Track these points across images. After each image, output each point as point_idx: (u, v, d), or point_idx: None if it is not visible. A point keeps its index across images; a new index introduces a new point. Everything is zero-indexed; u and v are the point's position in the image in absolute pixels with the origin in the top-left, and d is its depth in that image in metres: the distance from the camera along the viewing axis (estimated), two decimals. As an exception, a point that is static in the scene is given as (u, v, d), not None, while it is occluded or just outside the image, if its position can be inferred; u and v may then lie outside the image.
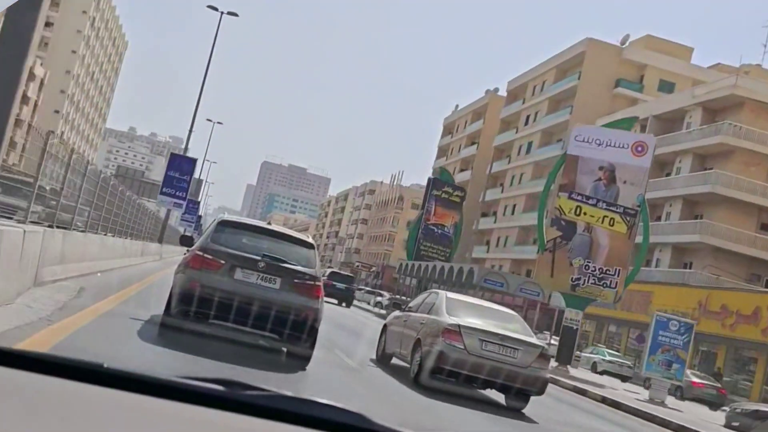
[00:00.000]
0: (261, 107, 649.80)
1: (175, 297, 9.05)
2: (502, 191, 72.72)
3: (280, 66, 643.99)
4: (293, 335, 9.10)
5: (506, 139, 75.13)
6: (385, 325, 14.13)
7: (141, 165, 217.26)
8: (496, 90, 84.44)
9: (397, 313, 14.72)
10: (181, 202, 39.90)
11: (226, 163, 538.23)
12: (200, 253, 9.16)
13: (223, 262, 9.03)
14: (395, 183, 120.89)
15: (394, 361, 13.33)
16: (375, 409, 8.04)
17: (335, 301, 39.17)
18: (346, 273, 50.99)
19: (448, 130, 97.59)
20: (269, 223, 10.51)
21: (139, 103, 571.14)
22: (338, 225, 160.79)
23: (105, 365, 1.41)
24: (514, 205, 70.20)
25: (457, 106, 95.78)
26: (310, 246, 9.84)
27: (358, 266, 59.38)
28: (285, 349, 9.76)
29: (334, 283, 40.65)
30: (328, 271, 46.08)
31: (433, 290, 13.73)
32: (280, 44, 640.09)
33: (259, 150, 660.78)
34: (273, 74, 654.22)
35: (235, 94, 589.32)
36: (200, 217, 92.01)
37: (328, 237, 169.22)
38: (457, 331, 10.99)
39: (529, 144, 69.02)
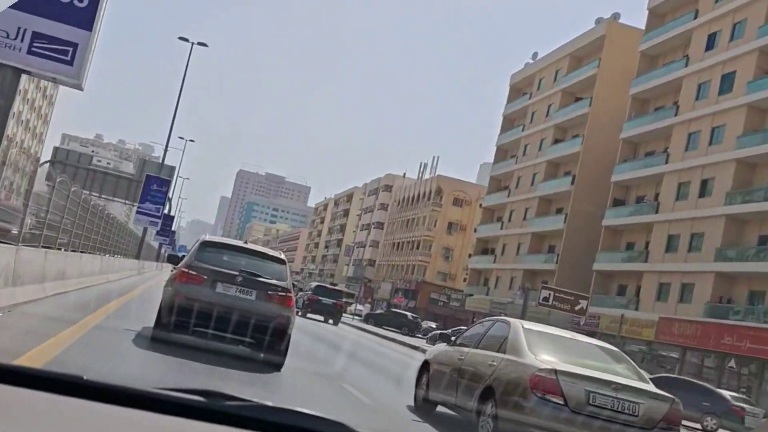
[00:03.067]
0: (233, 116, 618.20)
1: (164, 308, 10.06)
2: (666, 161, 44.53)
3: (254, 71, 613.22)
4: (268, 340, 10.09)
5: (659, 80, 47.23)
6: (426, 363, 10.79)
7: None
8: (616, 16, 56.56)
9: (443, 346, 10.81)
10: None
11: (198, 176, 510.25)
12: (186, 270, 10.23)
13: (205, 277, 10.08)
14: (428, 173, 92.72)
15: (441, 409, 10.11)
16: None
17: (321, 318, 36.71)
18: (333, 287, 45.78)
19: (520, 89, 69.68)
20: (246, 242, 11.92)
21: (104, 109, 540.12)
22: (340, 232, 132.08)
23: (85, 377, 1.38)
24: (689, 183, 42.23)
25: (535, 54, 67.81)
26: (281, 261, 10.96)
27: (549, 300, 30.00)
28: (261, 354, 10.42)
29: (320, 298, 37.69)
30: (314, 284, 43.13)
31: (500, 318, 10.40)
32: (252, 50, 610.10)
33: (232, 161, 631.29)
34: (245, 80, 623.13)
35: (206, 103, 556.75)
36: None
37: (327, 247, 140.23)
38: (552, 378, 7.74)
39: (732, 76, 40.85)
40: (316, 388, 10.36)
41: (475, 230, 78.48)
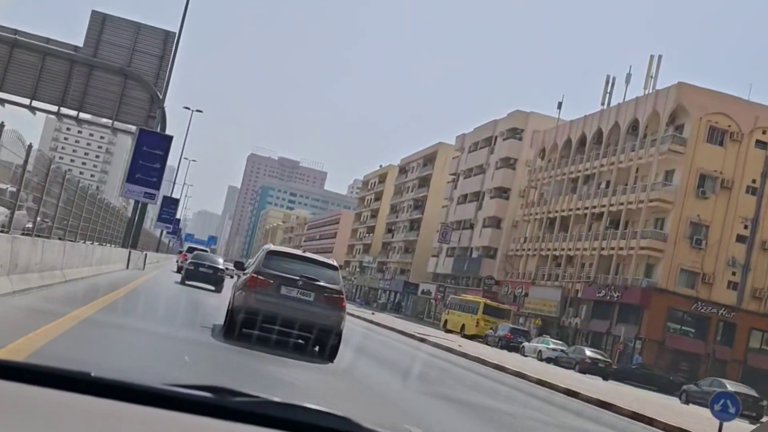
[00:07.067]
0: (239, 102, 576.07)
1: (236, 308, 12.31)
2: None
3: (259, 57, 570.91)
4: (324, 334, 12.24)
5: None
6: None
7: (100, 147, 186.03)
8: None
9: None
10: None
11: (204, 165, 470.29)
12: (255, 275, 12.28)
13: (272, 281, 12.18)
14: (639, 89, 51.69)
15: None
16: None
17: None
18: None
19: None
20: (304, 251, 13.91)
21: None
22: (416, 209, 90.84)
23: (92, 374, 1.39)
24: None
25: None
26: (334, 268, 12.99)
27: None
28: (316, 348, 12.74)
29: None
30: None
31: None
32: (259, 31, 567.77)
33: (240, 149, 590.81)
34: (250, 63, 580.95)
35: (210, 90, 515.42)
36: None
37: (390, 231, 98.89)
38: None
39: None
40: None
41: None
